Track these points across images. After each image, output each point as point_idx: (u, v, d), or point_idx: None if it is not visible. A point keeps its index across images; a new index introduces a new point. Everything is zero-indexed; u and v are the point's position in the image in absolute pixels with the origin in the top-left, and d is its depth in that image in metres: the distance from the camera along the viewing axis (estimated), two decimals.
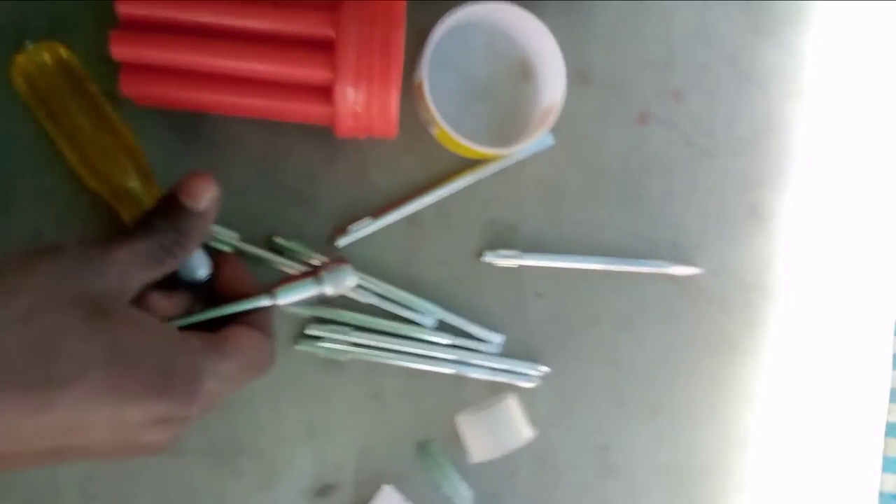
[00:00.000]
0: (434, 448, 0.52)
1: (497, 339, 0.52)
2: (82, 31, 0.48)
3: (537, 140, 0.51)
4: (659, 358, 0.55)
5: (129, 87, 0.45)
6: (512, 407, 0.51)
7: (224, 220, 0.49)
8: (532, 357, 0.53)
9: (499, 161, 0.52)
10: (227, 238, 0.49)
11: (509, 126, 0.52)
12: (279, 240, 0.50)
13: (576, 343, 0.54)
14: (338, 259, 0.42)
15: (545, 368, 0.53)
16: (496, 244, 0.53)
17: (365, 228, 0.50)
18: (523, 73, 0.53)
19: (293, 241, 0.50)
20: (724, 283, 0.56)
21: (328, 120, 0.47)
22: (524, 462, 0.53)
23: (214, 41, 0.44)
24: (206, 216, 0.38)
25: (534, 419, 0.52)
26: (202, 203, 0.38)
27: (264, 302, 0.41)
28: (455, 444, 0.52)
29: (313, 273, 0.41)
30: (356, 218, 0.50)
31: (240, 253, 0.49)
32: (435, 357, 0.52)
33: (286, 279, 0.41)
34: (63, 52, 0.46)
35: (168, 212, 0.37)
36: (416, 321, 0.52)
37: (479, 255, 0.53)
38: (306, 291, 0.41)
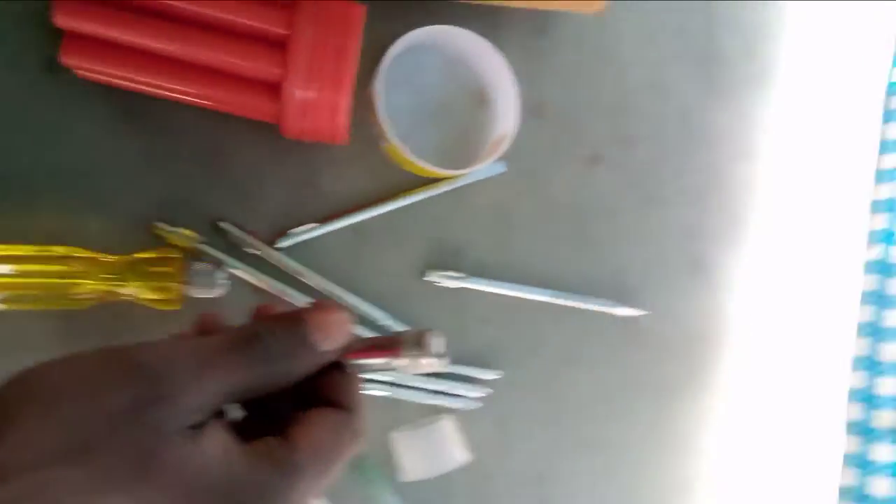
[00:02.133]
0: (368, 464, 0.50)
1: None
2: None
3: (487, 166, 0.51)
4: (598, 395, 0.54)
5: (71, 58, 0.44)
6: (448, 428, 0.49)
7: (165, 208, 0.48)
8: (471, 380, 0.52)
9: (449, 182, 0.52)
10: (186, 239, 0.48)
11: (461, 149, 0.53)
12: (224, 225, 0.49)
13: (516, 372, 0.53)
14: (421, 334, 0.33)
15: (483, 392, 0.52)
16: (441, 264, 0.53)
17: (309, 233, 0.50)
18: (480, 100, 0.54)
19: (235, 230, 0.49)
20: (667, 329, 0.56)
21: (276, 118, 0.46)
22: (460, 485, 0.51)
23: (163, 22, 0.43)
24: (324, 357, 0.32)
25: (471, 443, 0.50)
26: (332, 344, 0.31)
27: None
28: (390, 461, 0.50)
29: (393, 351, 0.33)
30: (300, 221, 0.50)
31: (201, 254, 0.48)
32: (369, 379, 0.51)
33: (364, 350, 0.33)
34: None
35: (289, 340, 0.31)
36: None
37: (424, 273, 0.52)
38: (381, 368, 0.34)
